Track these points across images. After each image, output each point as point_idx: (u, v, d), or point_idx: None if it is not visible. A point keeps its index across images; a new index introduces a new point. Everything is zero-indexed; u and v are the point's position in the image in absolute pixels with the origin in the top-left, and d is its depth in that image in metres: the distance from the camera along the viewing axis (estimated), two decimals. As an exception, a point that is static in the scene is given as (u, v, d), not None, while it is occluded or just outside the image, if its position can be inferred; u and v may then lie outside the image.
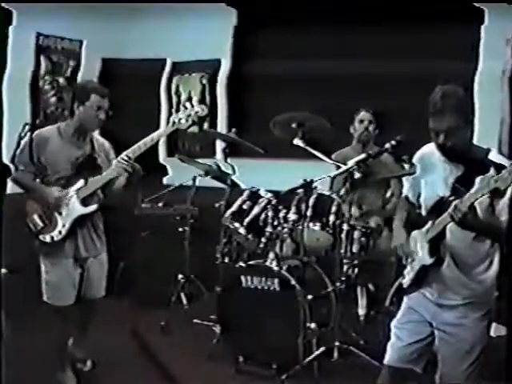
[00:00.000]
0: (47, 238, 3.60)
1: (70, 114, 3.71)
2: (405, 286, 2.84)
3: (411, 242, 2.82)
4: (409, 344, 2.84)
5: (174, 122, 3.61)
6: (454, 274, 2.73)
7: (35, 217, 3.62)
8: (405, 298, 2.90)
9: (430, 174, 2.85)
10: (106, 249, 3.84)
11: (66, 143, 3.67)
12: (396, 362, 2.87)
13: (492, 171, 2.48)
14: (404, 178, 3.13)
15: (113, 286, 3.96)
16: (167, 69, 6.58)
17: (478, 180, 2.53)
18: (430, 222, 2.71)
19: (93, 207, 3.65)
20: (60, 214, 3.59)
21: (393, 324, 2.93)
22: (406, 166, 3.03)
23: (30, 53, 6.04)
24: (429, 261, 2.72)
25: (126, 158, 3.55)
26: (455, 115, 2.62)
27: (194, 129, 3.63)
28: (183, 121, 3.59)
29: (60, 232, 3.59)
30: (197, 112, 3.59)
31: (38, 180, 3.66)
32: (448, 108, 2.62)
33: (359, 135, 4.71)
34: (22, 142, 3.41)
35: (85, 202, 3.62)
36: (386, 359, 2.91)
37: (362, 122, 4.70)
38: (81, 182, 3.60)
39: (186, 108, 3.59)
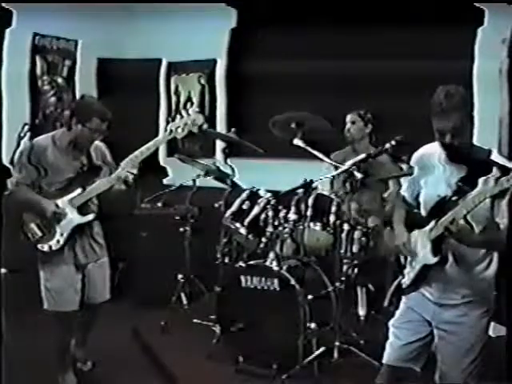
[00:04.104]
0: (45, 248, 3.59)
1: (68, 127, 3.64)
2: (404, 286, 2.84)
3: (411, 241, 2.82)
4: (408, 343, 2.84)
5: (171, 131, 3.60)
6: (456, 273, 2.73)
7: (33, 226, 3.61)
8: (403, 298, 2.90)
9: (429, 174, 2.84)
10: (106, 253, 3.84)
11: (61, 153, 3.64)
12: (395, 361, 2.88)
13: (495, 172, 2.47)
14: (402, 178, 3.13)
15: (113, 286, 3.95)
16: (164, 69, 6.57)
17: (480, 181, 2.53)
18: (432, 222, 2.70)
19: (90, 216, 3.65)
20: (58, 223, 3.58)
21: (391, 323, 2.93)
22: (404, 167, 3.03)
23: (27, 53, 6.03)
24: (432, 260, 2.71)
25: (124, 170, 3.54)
26: (460, 114, 2.62)
27: (194, 129, 3.63)
28: (180, 130, 3.58)
29: (58, 241, 3.58)
30: (194, 120, 3.60)
31: (35, 190, 3.63)
32: (452, 107, 2.61)
33: (345, 137, 4.72)
34: (22, 144, 3.40)
35: (81, 210, 3.62)
36: (385, 358, 2.92)
37: (347, 123, 4.71)
38: (78, 191, 3.59)
39: (182, 116, 3.58)
